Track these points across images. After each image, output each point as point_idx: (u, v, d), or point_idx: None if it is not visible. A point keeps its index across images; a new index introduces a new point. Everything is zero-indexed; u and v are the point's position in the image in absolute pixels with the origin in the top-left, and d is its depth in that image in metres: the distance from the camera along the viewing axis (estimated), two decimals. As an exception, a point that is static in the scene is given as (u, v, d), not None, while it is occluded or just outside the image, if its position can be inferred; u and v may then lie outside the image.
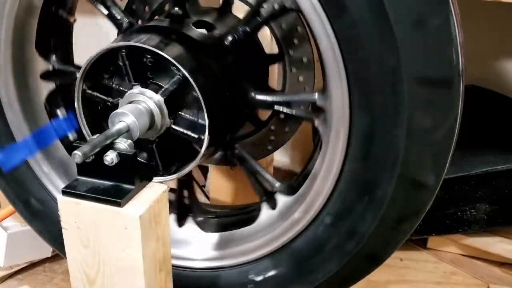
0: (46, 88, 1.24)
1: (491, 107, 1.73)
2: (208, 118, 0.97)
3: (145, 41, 0.97)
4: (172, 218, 1.25)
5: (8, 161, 1.20)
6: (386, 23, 0.83)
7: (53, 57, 1.23)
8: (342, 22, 0.87)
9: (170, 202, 0.95)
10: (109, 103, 1.04)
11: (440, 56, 0.86)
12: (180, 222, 1.27)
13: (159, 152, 1.04)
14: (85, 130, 1.08)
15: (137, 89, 0.98)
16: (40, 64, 1.21)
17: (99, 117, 1.07)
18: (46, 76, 1.23)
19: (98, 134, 0.86)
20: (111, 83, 1.04)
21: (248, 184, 1.24)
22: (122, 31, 1.13)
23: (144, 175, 0.90)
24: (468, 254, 1.65)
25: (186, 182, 1.27)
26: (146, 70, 1.00)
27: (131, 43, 0.97)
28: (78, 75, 1.02)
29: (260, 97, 1.12)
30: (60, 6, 1.22)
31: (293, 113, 1.11)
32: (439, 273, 1.59)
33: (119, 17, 1.13)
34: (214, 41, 1.09)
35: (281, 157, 2.04)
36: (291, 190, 1.15)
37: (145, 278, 0.88)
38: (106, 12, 1.12)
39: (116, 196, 0.84)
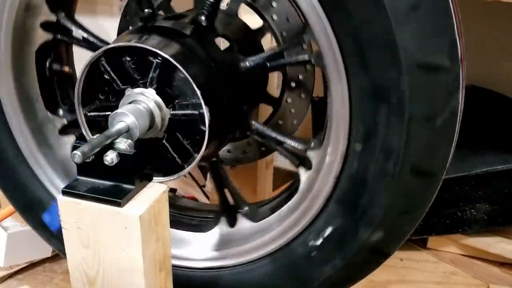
0: (43, 37, 1.22)
1: (491, 107, 1.73)
2: (208, 138, 0.97)
3: (164, 50, 0.96)
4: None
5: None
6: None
7: (61, 13, 1.20)
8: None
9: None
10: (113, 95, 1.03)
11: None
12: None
13: (172, 147, 1.03)
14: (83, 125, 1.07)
15: (129, 91, 0.98)
16: (45, 13, 1.19)
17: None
18: (46, 26, 1.21)
19: (98, 134, 0.86)
20: (106, 98, 1.04)
21: (248, 184, 1.24)
22: (142, 19, 1.11)
23: (144, 175, 0.90)
24: (468, 254, 1.65)
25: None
26: (132, 73, 0.99)
27: (151, 48, 0.95)
28: (75, 101, 1.03)
29: (257, 126, 1.13)
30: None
31: (280, 151, 1.12)
32: (439, 273, 1.59)
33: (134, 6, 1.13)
34: (232, 63, 1.09)
35: (281, 157, 2.04)
36: (255, 216, 1.17)
37: (145, 278, 0.88)
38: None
39: (116, 196, 0.84)
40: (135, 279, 0.88)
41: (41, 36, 1.20)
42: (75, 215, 0.87)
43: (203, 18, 1.06)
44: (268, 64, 1.09)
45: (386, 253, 1.04)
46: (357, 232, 0.99)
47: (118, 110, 0.93)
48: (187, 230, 1.23)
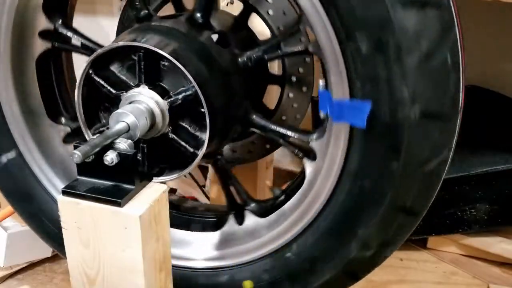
0: (42, 46, 1.22)
1: (491, 107, 1.73)
2: (209, 135, 0.98)
3: (165, 48, 0.96)
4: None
5: None
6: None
7: (59, 21, 1.20)
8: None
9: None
10: (111, 94, 1.02)
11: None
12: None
13: (148, 153, 1.01)
14: (80, 114, 1.06)
15: (142, 88, 0.97)
16: (42, 23, 1.19)
17: (96, 105, 1.06)
18: (45, 35, 1.21)
19: (98, 134, 0.86)
20: (118, 75, 1.02)
21: (248, 184, 1.24)
22: (139, 20, 1.11)
23: (144, 175, 0.90)
24: (468, 254, 1.65)
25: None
26: (157, 72, 0.99)
27: (152, 48, 0.95)
28: (89, 58, 1.00)
29: (258, 120, 1.13)
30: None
31: (283, 144, 1.12)
32: (439, 273, 1.59)
33: (137, 3, 1.11)
34: (229, 59, 1.09)
35: (281, 157, 2.04)
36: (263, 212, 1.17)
37: (145, 278, 0.88)
38: None
39: (116, 196, 0.84)
40: (135, 279, 0.88)
41: (41, 45, 1.20)
42: (75, 215, 0.87)
43: (198, 15, 1.06)
44: (266, 57, 1.09)
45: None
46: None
47: (119, 110, 0.93)
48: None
